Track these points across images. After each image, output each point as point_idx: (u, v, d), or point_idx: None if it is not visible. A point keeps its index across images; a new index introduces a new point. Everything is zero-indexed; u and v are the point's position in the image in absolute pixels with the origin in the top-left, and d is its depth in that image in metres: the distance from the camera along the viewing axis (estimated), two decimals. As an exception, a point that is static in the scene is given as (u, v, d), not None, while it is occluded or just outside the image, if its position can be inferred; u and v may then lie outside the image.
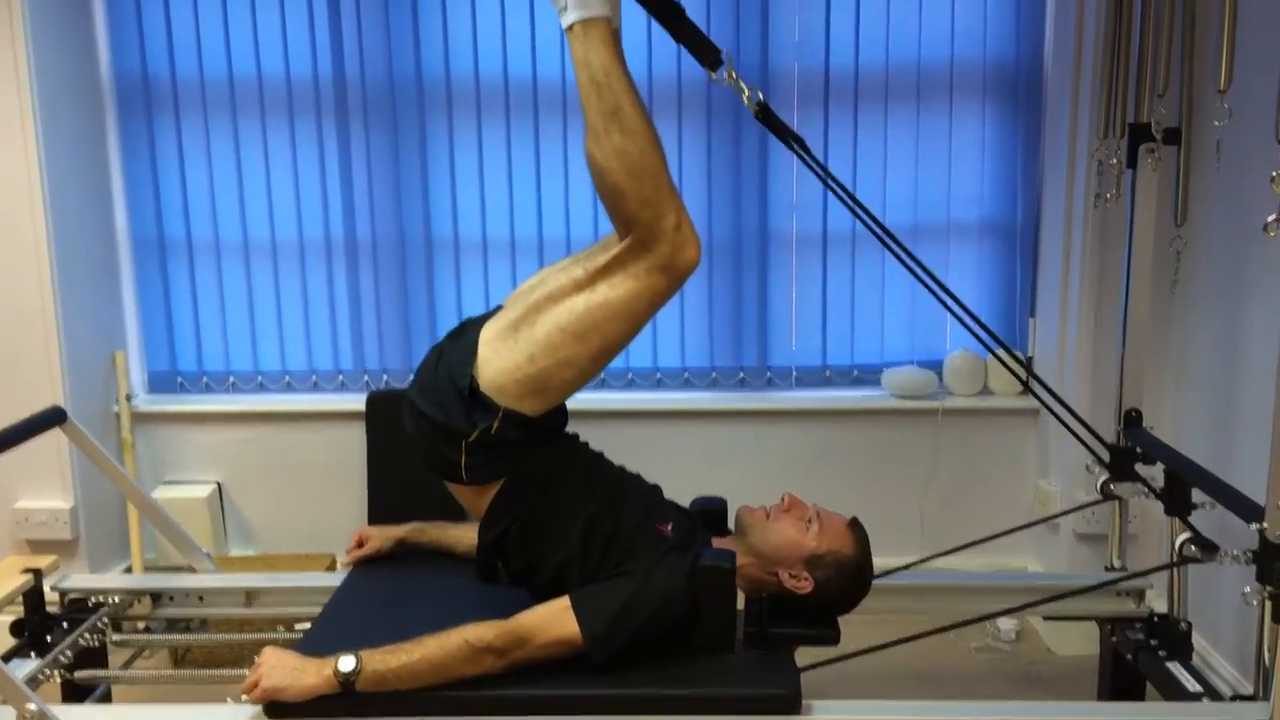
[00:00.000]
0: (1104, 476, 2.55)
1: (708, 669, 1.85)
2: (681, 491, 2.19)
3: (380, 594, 2.15)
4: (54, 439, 2.84)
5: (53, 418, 2.31)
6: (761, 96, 1.89)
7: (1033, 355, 3.36)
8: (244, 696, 1.76)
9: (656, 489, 2.09)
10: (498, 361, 1.80)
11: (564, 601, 1.79)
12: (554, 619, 1.78)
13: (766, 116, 1.89)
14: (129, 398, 3.33)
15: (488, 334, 1.83)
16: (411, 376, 1.99)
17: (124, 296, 3.38)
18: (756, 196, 3.31)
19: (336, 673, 1.73)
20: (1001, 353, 2.22)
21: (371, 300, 3.38)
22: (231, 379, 3.43)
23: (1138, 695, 2.48)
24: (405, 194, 3.32)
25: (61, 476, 3.10)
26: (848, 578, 1.95)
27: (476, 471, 1.85)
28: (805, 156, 1.95)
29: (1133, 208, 2.51)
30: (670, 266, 1.74)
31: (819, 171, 1.99)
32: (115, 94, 3.28)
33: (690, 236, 1.74)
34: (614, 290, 1.75)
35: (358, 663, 1.73)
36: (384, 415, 3.26)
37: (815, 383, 3.43)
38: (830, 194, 3.33)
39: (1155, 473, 2.49)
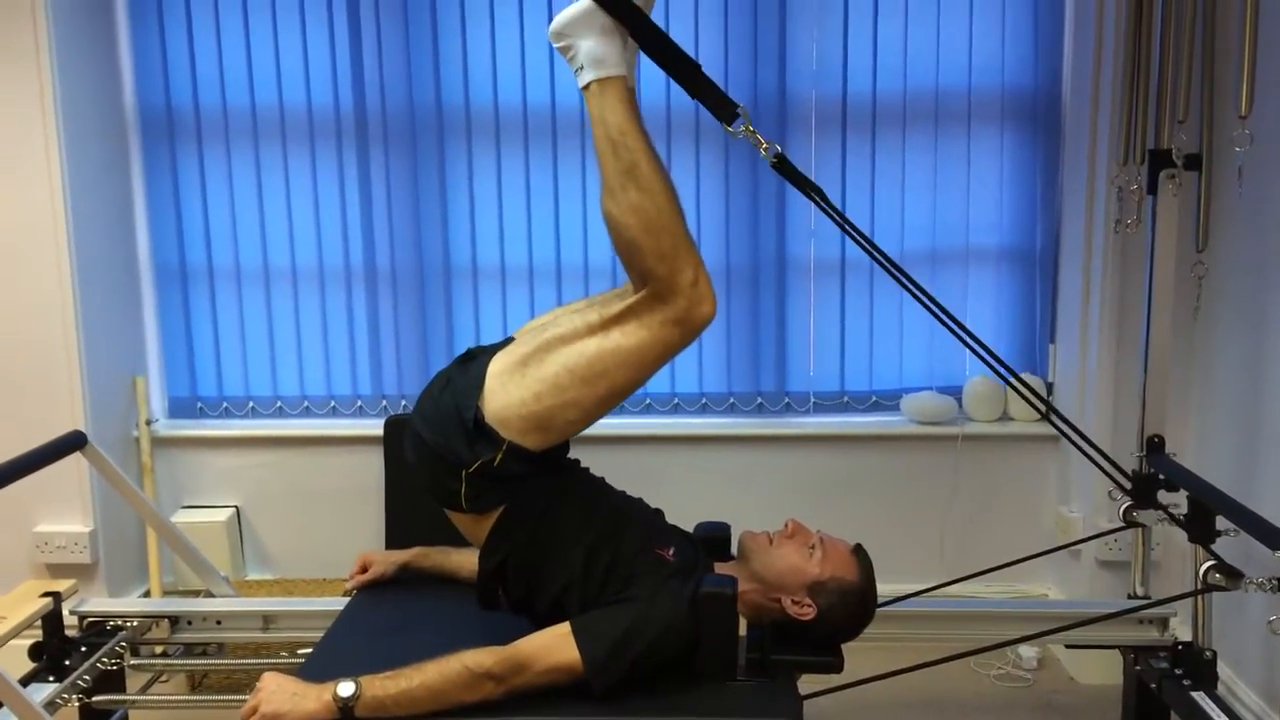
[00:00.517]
0: (1126, 503, 2.53)
1: (708, 696, 1.83)
2: (699, 517, 2.18)
3: (382, 619, 2.14)
4: (74, 463, 2.86)
5: (73, 442, 2.33)
6: (780, 149, 1.89)
7: (1053, 381, 3.35)
8: None
9: (659, 513, 2.08)
10: (504, 395, 1.80)
11: (564, 628, 1.78)
12: (554, 645, 1.77)
13: (784, 167, 1.89)
14: (149, 422, 3.34)
15: (496, 367, 1.84)
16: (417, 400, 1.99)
17: (145, 322, 3.40)
18: (774, 222, 3.31)
19: (336, 698, 1.72)
20: (1024, 389, 2.19)
21: (390, 326, 3.39)
22: (251, 404, 3.45)
23: (1161, 726, 2.45)
24: (424, 221, 3.34)
25: (81, 500, 3.11)
26: (851, 605, 1.93)
27: (476, 501, 1.86)
28: (824, 206, 1.94)
29: (1153, 234, 2.50)
30: (685, 320, 1.75)
31: (837, 219, 1.98)
32: (139, 122, 3.31)
33: (707, 293, 1.75)
34: (627, 339, 1.76)
35: (357, 688, 1.72)
36: (402, 440, 3.25)
37: (833, 408, 3.42)
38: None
39: (1178, 499, 2.47)
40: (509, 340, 1.95)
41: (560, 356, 1.78)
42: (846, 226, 1.99)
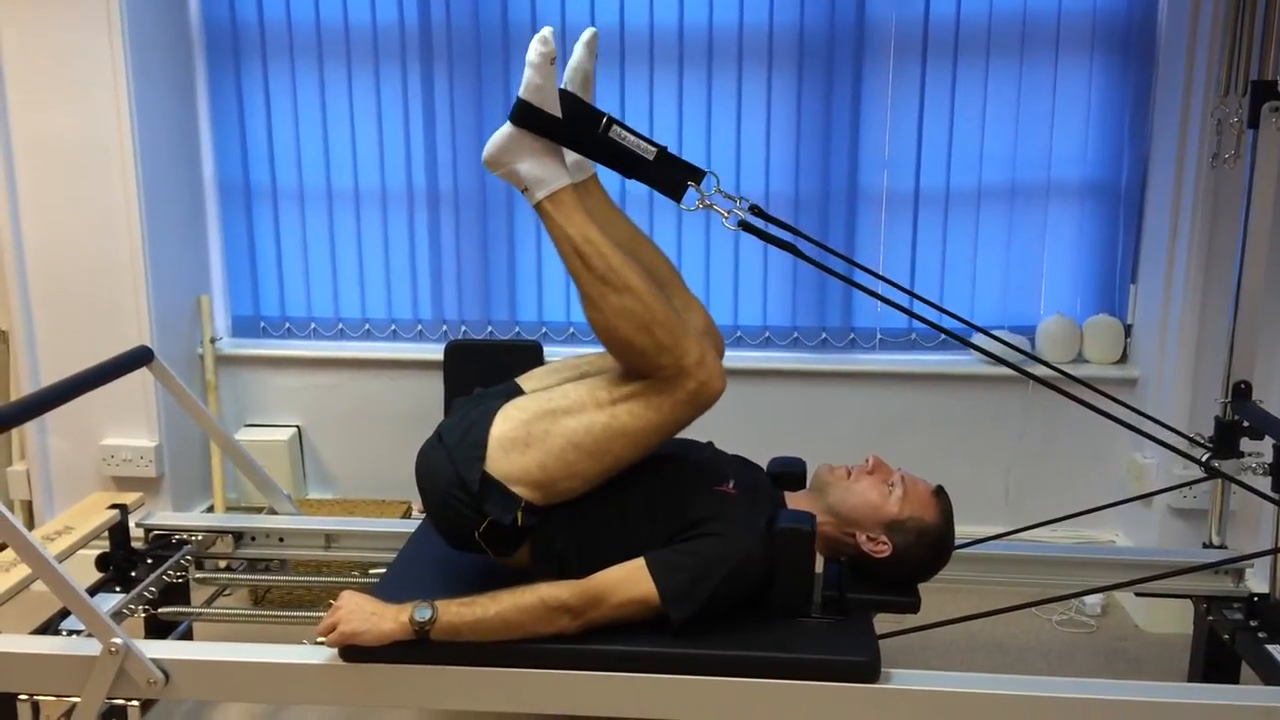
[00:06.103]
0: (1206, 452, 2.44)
1: (785, 633, 1.82)
2: (758, 455, 2.15)
3: None
4: (141, 379, 2.90)
5: (139, 357, 2.34)
6: (741, 215, 1.84)
7: (1132, 323, 3.23)
8: (320, 639, 1.77)
9: (709, 447, 2.05)
10: (506, 463, 1.78)
11: (639, 562, 1.76)
12: (630, 578, 1.75)
13: (750, 227, 1.86)
14: (213, 340, 3.37)
15: (497, 432, 1.80)
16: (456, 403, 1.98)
17: (210, 241, 3.41)
18: (846, 152, 3.21)
19: (413, 621, 1.74)
20: (1003, 348, 2.10)
21: (452, 250, 3.37)
22: (313, 325, 3.45)
23: (1232, 677, 2.38)
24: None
25: (147, 415, 3.15)
26: (927, 546, 1.91)
27: (498, 549, 1.85)
28: (804, 256, 1.93)
29: (1252, 170, 2.37)
30: (696, 399, 1.75)
31: (821, 267, 2.00)
32: (204, 40, 3.28)
33: (716, 368, 1.76)
34: (635, 420, 1.76)
35: (433, 613, 1.74)
36: (461, 365, 3.26)
37: (901, 345, 3.34)
38: (923, 151, 3.23)
39: (1261, 448, 2.38)
40: (510, 384, 1.94)
41: (566, 431, 1.77)
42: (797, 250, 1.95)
